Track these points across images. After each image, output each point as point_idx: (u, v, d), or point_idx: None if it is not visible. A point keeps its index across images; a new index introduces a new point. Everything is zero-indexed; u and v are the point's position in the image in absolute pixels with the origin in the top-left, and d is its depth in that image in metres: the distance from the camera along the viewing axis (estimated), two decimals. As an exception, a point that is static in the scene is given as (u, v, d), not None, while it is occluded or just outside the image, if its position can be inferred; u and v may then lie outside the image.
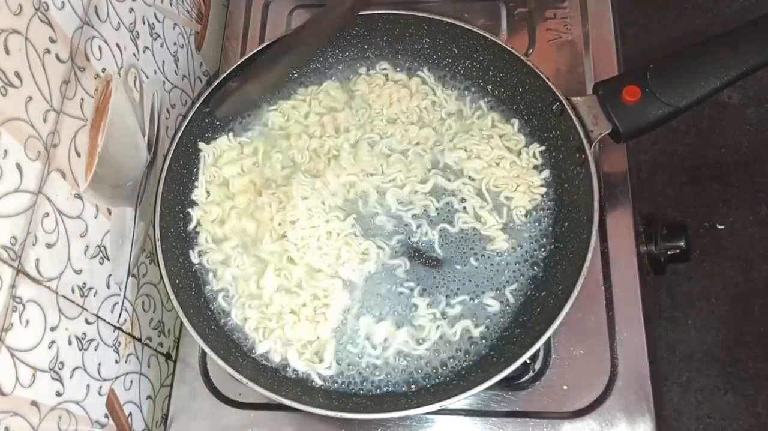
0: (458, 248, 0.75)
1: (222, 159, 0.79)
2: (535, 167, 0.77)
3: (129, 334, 0.69)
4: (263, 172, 0.79)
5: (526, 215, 0.75)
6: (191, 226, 0.76)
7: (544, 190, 0.76)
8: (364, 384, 0.70)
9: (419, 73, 0.84)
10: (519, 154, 0.78)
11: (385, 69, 0.84)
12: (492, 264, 0.74)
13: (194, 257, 0.75)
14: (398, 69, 0.84)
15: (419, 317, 0.72)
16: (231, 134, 0.81)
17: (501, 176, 0.76)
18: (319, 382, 0.70)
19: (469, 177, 0.77)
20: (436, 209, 0.76)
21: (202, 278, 0.75)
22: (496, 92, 0.81)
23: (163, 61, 0.78)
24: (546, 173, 0.77)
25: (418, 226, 0.75)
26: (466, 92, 0.83)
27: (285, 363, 0.70)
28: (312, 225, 0.73)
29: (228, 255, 0.75)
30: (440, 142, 0.80)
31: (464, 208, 0.76)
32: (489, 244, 0.74)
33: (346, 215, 0.75)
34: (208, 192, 0.78)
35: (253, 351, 0.71)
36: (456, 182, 0.77)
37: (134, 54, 0.70)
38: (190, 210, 0.77)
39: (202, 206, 0.77)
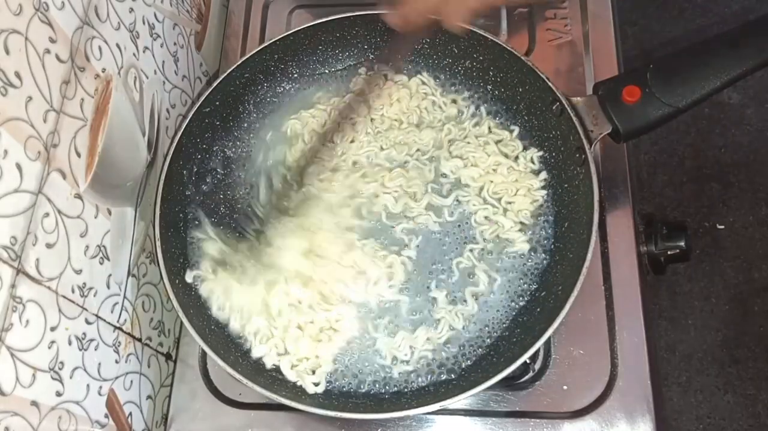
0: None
1: None
2: (533, 171, 0.77)
3: (129, 334, 0.69)
4: None
5: (531, 216, 0.75)
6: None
7: (544, 192, 0.76)
8: (362, 386, 0.70)
9: (419, 75, 0.84)
10: (516, 159, 0.78)
11: (384, 69, 0.84)
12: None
13: (190, 278, 0.74)
14: (397, 71, 0.84)
15: (438, 311, 0.72)
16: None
17: (499, 181, 0.76)
18: (313, 389, 0.69)
19: (467, 185, 0.77)
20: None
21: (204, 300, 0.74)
22: (496, 92, 0.81)
23: (163, 61, 0.78)
24: (544, 174, 0.77)
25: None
26: (466, 96, 0.82)
27: (277, 369, 0.70)
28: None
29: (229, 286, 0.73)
30: (441, 146, 0.79)
31: (476, 220, 0.76)
32: (510, 247, 0.74)
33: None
34: None
35: (249, 353, 0.71)
36: (454, 196, 0.77)
37: (134, 54, 0.70)
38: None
39: None
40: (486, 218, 0.75)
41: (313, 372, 0.69)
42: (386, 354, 0.71)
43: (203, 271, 0.74)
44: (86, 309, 0.60)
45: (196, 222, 0.77)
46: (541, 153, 0.77)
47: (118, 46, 0.67)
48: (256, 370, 0.70)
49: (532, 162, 0.77)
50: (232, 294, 0.72)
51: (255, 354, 0.71)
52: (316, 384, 0.69)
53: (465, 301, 0.72)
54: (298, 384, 0.69)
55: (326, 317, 0.71)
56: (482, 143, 0.79)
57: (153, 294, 0.75)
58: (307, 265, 0.73)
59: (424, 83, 0.83)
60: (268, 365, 0.70)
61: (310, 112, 0.83)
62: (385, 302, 0.73)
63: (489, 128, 0.80)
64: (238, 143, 0.83)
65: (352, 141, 0.81)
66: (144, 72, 0.73)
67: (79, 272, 0.59)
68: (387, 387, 0.70)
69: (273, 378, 0.69)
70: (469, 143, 0.79)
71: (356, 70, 0.85)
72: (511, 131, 0.79)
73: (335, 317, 0.72)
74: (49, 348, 0.55)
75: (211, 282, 0.73)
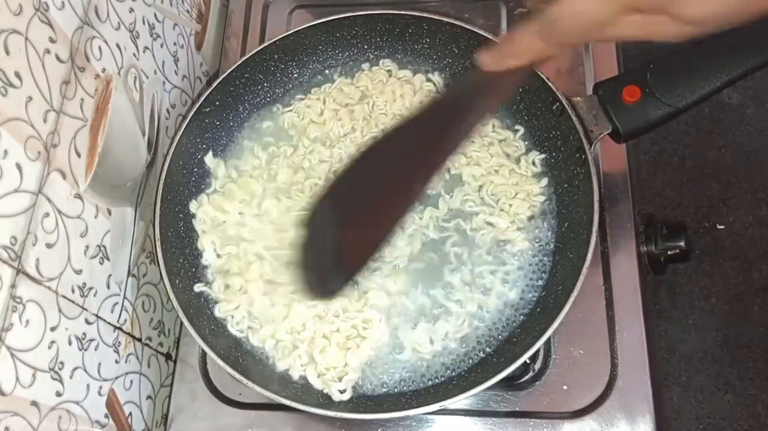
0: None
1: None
2: (534, 175, 0.77)
3: (129, 334, 0.69)
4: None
5: (528, 219, 0.75)
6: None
7: (543, 197, 0.76)
8: (366, 384, 0.70)
9: (429, 76, 0.83)
10: (518, 161, 0.78)
11: (388, 66, 0.84)
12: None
13: (199, 288, 0.73)
14: (401, 67, 0.84)
15: (456, 293, 0.72)
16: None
17: (500, 183, 0.76)
18: (339, 397, 0.68)
19: (467, 183, 0.77)
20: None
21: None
22: (496, 92, 0.81)
23: (163, 62, 0.78)
24: (545, 180, 0.76)
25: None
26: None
27: (304, 378, 0.69)
28: None
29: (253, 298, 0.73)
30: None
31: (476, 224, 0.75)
32: (510, 247, 0.74)
33: None
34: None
35: (274, 366, 0.71)
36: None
37: (134, 54, 0.70)
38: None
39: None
40: (477, 215, 0.75)
41: (340, 380, 0.69)
42: (407, 345, 0.70)
43: (214, 290, 0.74)
44: (86, 309, 0.60)
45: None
46: (543, 156, 0.77)
47: (118, 46, 0.67)
48: (256, 370, 0.69)
49: (534, 165, 0.77)
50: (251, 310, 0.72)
51: (280, 367, 0.70)
52: (343, 392, 0.68)
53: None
54: (325, 391, 0.68)
55: (353, 324, 0.70)
56: (487, 142, 0.78)
57: (153, 294, 0.75)
58: None
59: (428, 80, 0.83)
60: (296, 377, 0.69)
61: (303, 102, 0.83)
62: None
63: (493, 126, 0.80)
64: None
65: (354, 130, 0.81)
66: (144, 72, 0.73)
67: (79, 272, 0.59)
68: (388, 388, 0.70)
69: (273, 379, 0.69)
70: (473, 141, 0.78)
71: (359, 65, 0.85)
72: (515, 132, 0.79)
73: (363, 323, 0.70)
74: (49, 348, 0.55)
75: (225, 303, 0.73)
